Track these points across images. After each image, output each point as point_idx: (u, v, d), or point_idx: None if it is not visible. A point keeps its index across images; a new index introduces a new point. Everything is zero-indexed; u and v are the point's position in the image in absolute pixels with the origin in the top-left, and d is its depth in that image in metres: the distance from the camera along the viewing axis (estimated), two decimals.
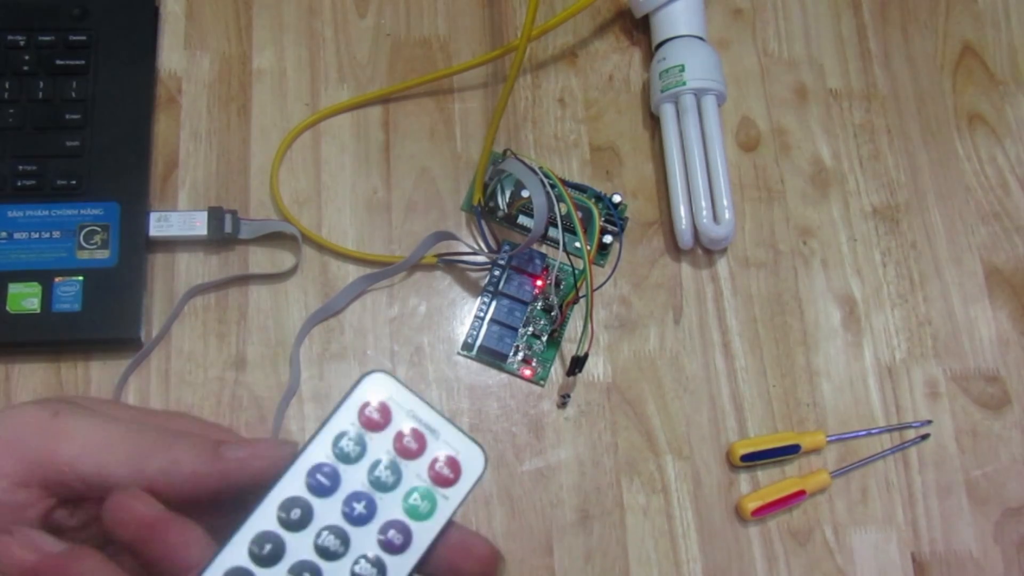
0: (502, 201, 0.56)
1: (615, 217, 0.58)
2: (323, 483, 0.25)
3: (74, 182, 0.53)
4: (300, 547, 0.25)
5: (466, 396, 0.54)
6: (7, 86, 0.54)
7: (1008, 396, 0.58)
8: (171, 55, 0.58)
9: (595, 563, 0.52)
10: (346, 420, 0.26)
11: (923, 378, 0.57)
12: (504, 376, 0.55)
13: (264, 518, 0.25)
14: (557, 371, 0.55)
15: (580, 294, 0.55)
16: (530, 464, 0.53)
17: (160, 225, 0.53)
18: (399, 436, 0.26)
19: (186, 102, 0.58)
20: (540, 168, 0.54)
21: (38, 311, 0.51)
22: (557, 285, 0.55)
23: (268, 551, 0.25)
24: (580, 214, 0.56)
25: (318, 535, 0.25)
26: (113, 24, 0.57)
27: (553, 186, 0.54)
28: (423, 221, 0.57)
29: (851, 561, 0.53)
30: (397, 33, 0.61)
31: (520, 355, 0.55)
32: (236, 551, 0.25)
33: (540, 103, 0.60)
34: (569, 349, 0.55)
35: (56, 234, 0.52)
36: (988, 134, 0.63)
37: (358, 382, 0.27)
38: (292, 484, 0.25)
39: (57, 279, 0.52)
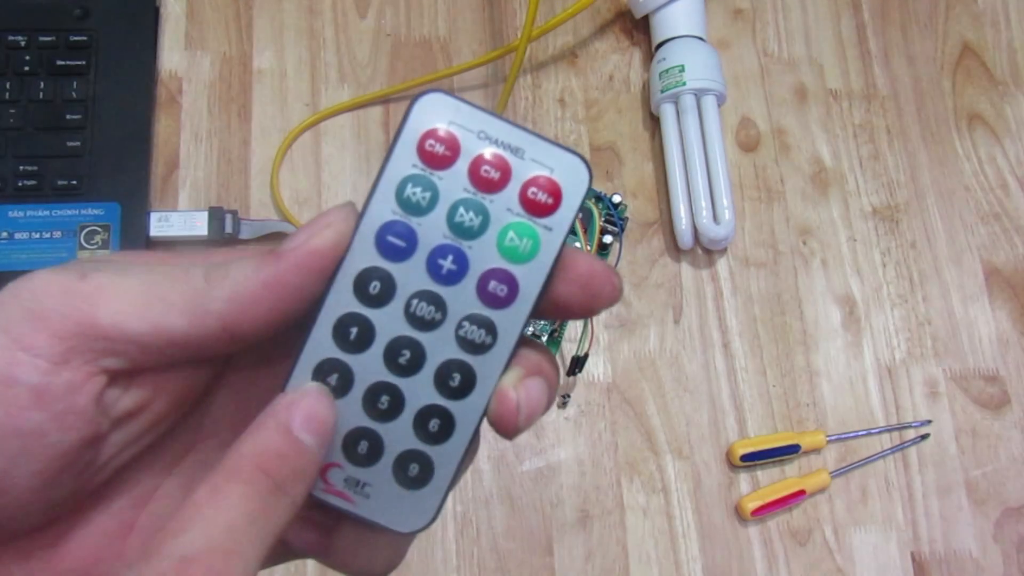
0: None
1: (615, 217, 0.58)
2: (396, 244, 0.21)
3: (75, 182, 0.53)
4: (390, 323, 0.22)
5: None
6: (8, 86, 0.54)
7: (1008, 396, 0.58)
8: (172, 55, 0.58)
9: (595, 563, 0.52)
10: (405, 162, 0.21)
11: (923, 378, 0.58)
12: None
13: (341, 300, 0.22)
14: None
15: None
16: (530, 464, 0.53)
17: (161, 225, 0.53)
18: (475, 166, 0.22)
19: (187, 102, 0.58)
20: None
21: None
22: None
23: (356, 335, 0.22)
24: (580, 214, 0.56)
25: (408, 305, 0.22)
26: (114, 24, 0.57)
27: None
28: None
29: (851, 561, 0.53)
30: (397, 33, 0.61)
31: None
32: (320, 343, 0.22)
33: (540, 103, 0.60)
34: (569, 349, 0.55)
35: (57, 234, 0.52)
36: (988, 134, 0.63)
37: (408, 111, 0.21)
38: (362, 254, 0.21)
39: None
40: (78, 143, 0.54)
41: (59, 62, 0.55)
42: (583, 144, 0.60)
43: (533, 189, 0.22)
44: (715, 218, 0.56)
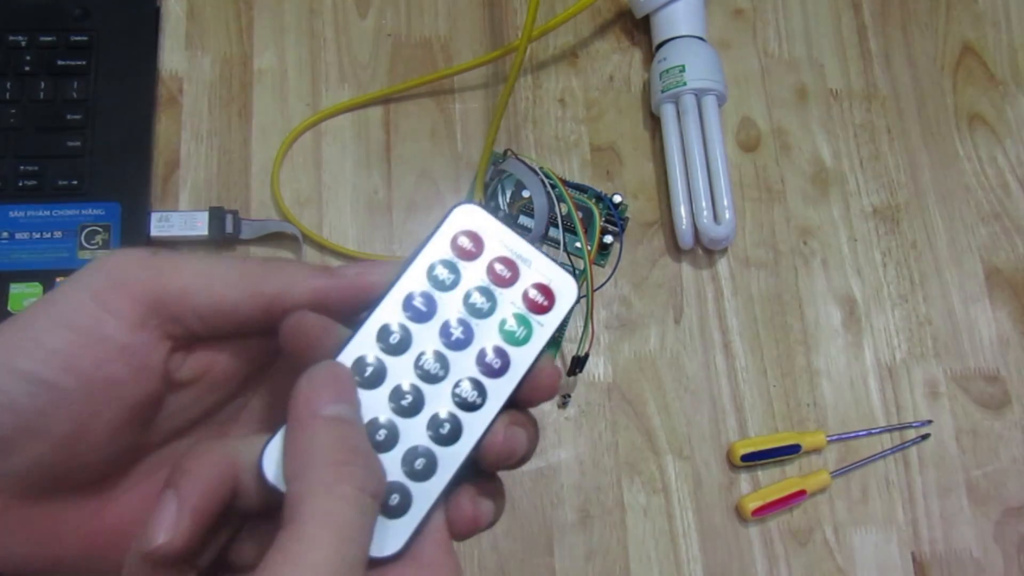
0: (503, 201, 0.57)
1: (615, 217, 0.58)
2: (420, 309, 0.26)
3: (75, 182, 0.53)
4: (401, 371, 0.26)
5: None
6: (8, 86, 0.54)
7: (1008, 396, 0.58)
8: (172, 55, 0.58)
9: (595, 563, 0.52)
10: (439, 249, 0.27)
11: (923, 378, 0.57)
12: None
13: (364, 344, 0.25)
14: None
15: (580, 294, 0.55)
16: (531, 464, 0.53)
17: (161, 225, 0.53)
18: (492, 264, 0.27)
19: (187, 102, 0.58)
20: (540, 168, 0.54)
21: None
22: None
23: (370, 374, 0.25)
24: (580, 214, 0.56)
25: (418, 359, 0.26)
26: (114, 24, 0.57)
27: (554, 186, 0.54)
28: (423, 221, 0.57)
29: (851, 561, 0.53)
30: (398, 33, 0.61)
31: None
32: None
33: (541, 103, 0.60)
34: (570, 349, 0.55)
35: (57, 234, 0.53)
36: (988, 134, 0.63)
37: (448, 213, 0.27)
38: (389, 312, 0.26)
39: (58, 279, 0.52)
40: (78, 143, 0.54)
41: (59, 62, 0.55)
42: (583, 144, 0.60)
43: (534, 291, 0.27)
44: (716, 218, 0.56)
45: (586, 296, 0.53)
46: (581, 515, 0.53)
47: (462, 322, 0.26)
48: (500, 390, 0.26)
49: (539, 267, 0.27)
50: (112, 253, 0.25)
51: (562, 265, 0.27)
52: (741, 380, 0.56)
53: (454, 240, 0.27)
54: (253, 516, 0.26)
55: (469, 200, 0.27)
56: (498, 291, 0.27)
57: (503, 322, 0.26)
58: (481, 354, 0.26)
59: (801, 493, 0.53)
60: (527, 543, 0.52)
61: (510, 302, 0.27)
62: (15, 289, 0.51)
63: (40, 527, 0.24)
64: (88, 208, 0.53)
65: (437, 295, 0.26)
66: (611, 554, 0.52)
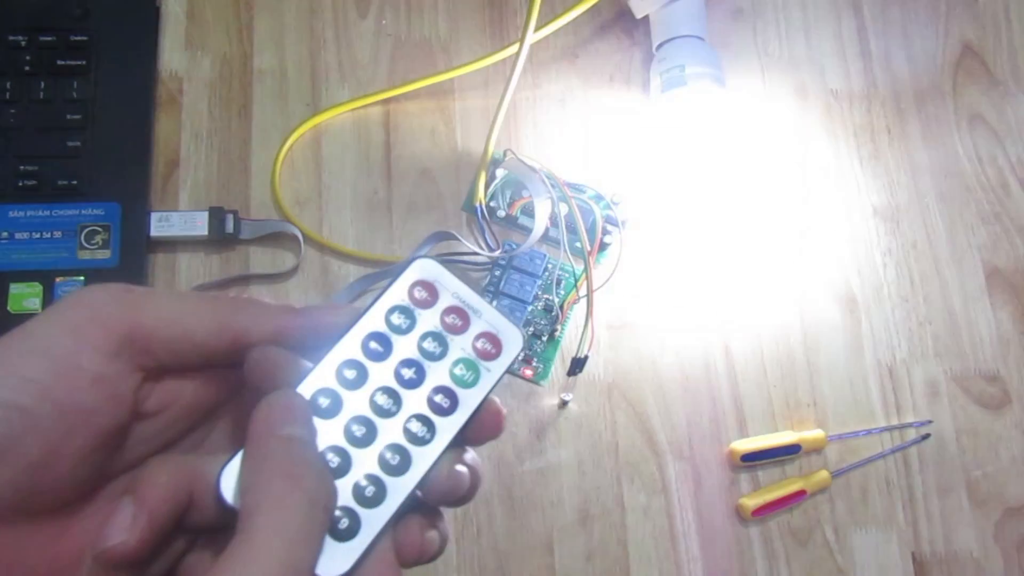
0: (503, 201, 0.56)
1: (616, 217, 0.58)
2: (376, 349, 0.28)
3: (75, 182, 0.53)
4: (356, 404, 0.27)
5: None
6: (8, 86, 0.54)
7: (1008, 396, 0.58)
8: (172, 55, 0.58)
9: (595, 563, 0.52)
10: (397, 296, 0.29)
11: (923, 378, 0.57)
12: (504, 376, 0.55)
13: (323, 377, 0.27)
14: (558, 371, 0.55)
15: (580, 294, 0.55)
16: (531, 464, 0.53)
17: (161, 225, 0.53)
18: (445, 313, 0.29)
19: (187, 102, 0.58)
20: (541, 168, 0.54)
21: (39, 311, 0.51)
22: (558, 285, 0.55)
23: (327, 405, 0.27)
24: (581, 214, 0.56)
25: (372, 394, 0.28)
26: (114, 24, 0.57)
27: (554, 186, 0.54)
28: (424, 221, 0.57)
29: (851, 561, 0.53)
30: (398, 33, 0.61)
31: (520, 355, 0.55)
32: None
33: (540, 103, 0.60)
34: (569, 349, 0.55)
35: (57, 234, 0.52)
36: (988, 134, 0.63)
37: (406, 265, 0.29)
38: (348, 349, 0.28)
39: (58, 279, 0.52)
40: (78, 143, 0.54)
41: (59, 62, 0.55)
42: (583, 144, 0.60)
43: (483, 340, 0.29)
44: None
45: (586, 296, 0.53)
46: (581, 515, 0.53)
47: (415, 363, 0.28)
48: (448, 427, 0.28)
49: (488, 318, 0.29)
50: (88, 288, 0.26)
51: (509, 317, 0.30)
52: (741, 380, 0.56)
53: (410, 290, 0.29)
54: (207, 532, 0.26)
55: (425, 255, 0.30)
56: (449, 337, 0.29)
57: (453, 365, 0.29)
58: (431, 393, 0.28)
59: (801, 493, 0.53)
60: (527, 542, 0.52)
61: (460, 348, 0.29)
62: (15, 289, 0.51)
63: (3, 550, 0.24)
64: (88, 208, 0.53)
65: (393, 337, 0.28)
66: (611, 554, 0.52)
